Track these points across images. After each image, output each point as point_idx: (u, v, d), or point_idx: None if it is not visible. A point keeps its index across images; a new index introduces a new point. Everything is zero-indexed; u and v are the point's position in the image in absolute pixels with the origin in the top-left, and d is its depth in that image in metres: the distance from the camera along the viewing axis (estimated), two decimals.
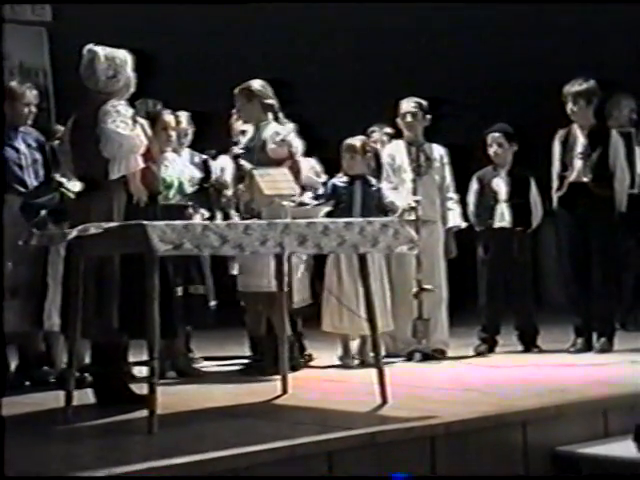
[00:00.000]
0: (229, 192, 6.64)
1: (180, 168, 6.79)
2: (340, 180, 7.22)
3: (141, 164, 5.65)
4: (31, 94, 6.75)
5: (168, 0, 9.99)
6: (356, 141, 7.20)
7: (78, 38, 6.11)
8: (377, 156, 7.34)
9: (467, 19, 10.63)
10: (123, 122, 5.55)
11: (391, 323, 7.13)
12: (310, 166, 7.40)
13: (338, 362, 7.22)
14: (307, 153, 7.28)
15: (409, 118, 7.49)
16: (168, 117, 6.82)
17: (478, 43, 11.02)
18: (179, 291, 6.48)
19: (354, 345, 7.29)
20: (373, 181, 7.23)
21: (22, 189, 6.56)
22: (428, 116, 7.54)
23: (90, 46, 5.72)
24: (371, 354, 6.30)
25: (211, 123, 7.23)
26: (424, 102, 7.53)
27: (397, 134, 7.69)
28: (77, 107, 5.83)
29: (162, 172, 6.47)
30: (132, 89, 5.79)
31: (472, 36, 10.83)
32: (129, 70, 5.73)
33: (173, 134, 6.85)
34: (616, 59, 10.32)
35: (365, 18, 10.51)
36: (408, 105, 7.51)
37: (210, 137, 7.32)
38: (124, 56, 5.73)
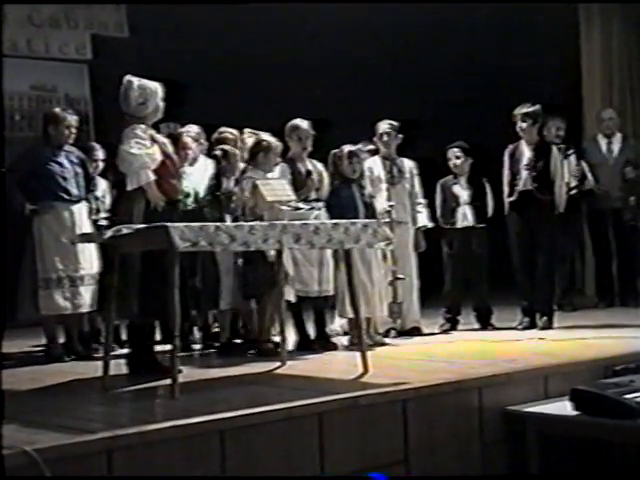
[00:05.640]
0: (236, 199, 6.62)
1: (196, 180, 6.77)
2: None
3: (152, 178, 5.54)
4: (71, 118, 6.67)
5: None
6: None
7: (113, 73, 6.10)
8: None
9: (436, 52, 10.64)
10: (138, 143, 5.48)
11: (385, 308, 7.03)
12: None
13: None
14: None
15: (385, 137, 7.49)
16: (186, 139, 6.80)
17: (444, 73, 11.06)
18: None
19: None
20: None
21: (66, 197, 6.55)
22: (400, 135, 7.52)
23: (128, 77, 5.67)
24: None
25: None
26: (396, 123, 7.50)
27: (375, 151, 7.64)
28: (116, 129, 5.72)
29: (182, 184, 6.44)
30: (159, 115, 5.73)
31: (438, 66, 10.86)
32: (158, 99, 5.66)
33: (190, 152, 6.83)
34: (553, 87, 10.34)
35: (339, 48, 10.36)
36: (384, 126, 7.51)
37: None
38: (155, 87, 5.66)
